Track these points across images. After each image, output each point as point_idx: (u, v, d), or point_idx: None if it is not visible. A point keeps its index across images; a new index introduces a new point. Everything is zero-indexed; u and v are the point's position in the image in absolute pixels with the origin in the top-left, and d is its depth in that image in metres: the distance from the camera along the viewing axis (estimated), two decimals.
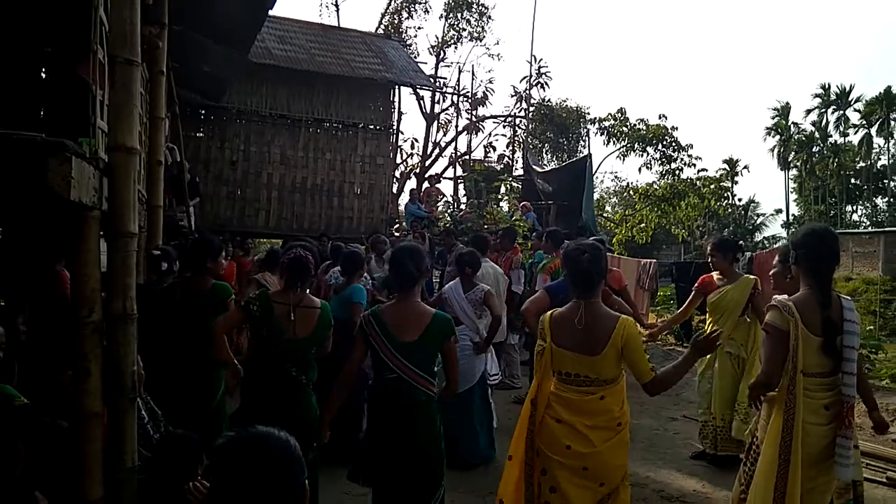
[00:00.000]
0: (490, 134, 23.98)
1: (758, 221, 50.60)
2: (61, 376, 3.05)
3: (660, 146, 21.35)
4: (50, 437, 3.08)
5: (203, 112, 13.47)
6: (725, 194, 25.36)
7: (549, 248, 7.51)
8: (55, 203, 2.43)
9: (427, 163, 22.97)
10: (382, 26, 23.67)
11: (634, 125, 21.65)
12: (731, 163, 47.92)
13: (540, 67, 25.04)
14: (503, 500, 3.30)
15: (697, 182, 21.01)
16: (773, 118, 55.60)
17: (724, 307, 5.42)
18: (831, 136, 53.49)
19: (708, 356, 5.58)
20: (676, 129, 21.31)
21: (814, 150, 53.62)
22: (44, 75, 5.49)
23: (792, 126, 54.74)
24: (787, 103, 55.43)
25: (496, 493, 4.82)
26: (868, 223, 49.73)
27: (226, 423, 4.33)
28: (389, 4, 23.84)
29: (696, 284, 5.80)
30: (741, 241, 6.17)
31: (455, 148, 22.19)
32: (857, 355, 3.05)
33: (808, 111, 54.82)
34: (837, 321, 3.05)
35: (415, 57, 21.02)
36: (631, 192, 24.10)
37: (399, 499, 3.33)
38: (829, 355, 3.02)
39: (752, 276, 5.55)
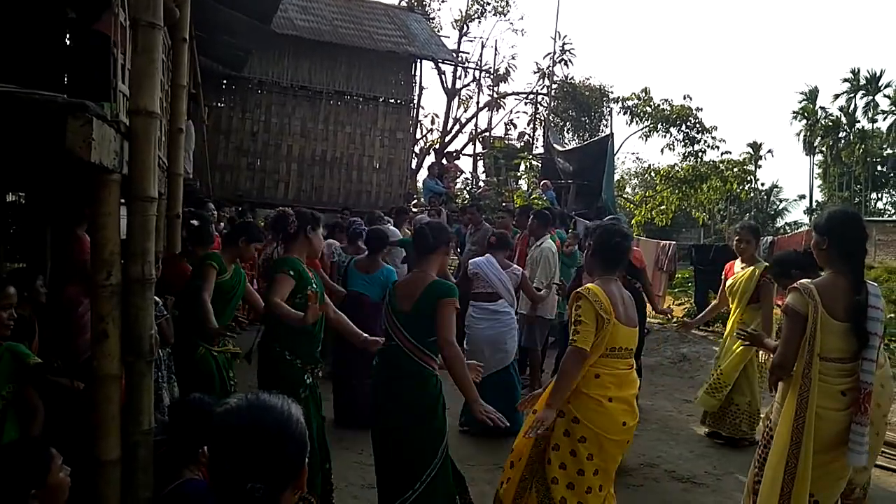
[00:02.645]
0: (511, 111, 23.74)
1: (780, 207, 49.85)
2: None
3: (683, 127, 21.07)
4: (67, 398, 3.13)
5: (225, 82, 13.45)
6: (748, 178, 25.00)
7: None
8: (75, 165, 2.44)
9: (447, 139, 22.84)
10: None
11: (658, 105, 21.37)
12: (756, 146, 47.27)
13: (564, 44, 24.64)
14: (513, 461, 3.36)
15: (720, 165, 20.72)
16: (800, 102, 54.54)
17: (735, 292, 5.43)
18: (859, 121, 52.39)
19: (728, 342, 5.56)
20: (701, 110, 21.02)
21: (840, 135, 52.58)
22: (67, 41, 5.51)
23: (819, 111, 53.69)
24: (816, 87, 54.28)
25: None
26: (893, 211, 48.91)
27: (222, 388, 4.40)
28: None
29: (724, 273, 5.77)
30: (758, 226, 6.20)
31: (475, 124, 22.03)
32: (878, 342, 3.00)
33: (837, 96, 53.72)
34: (865, 306, 3.01)
35: (438, 31, 20.80)
36: (652, 174, 23.83)
37: (391, 468, 3.39)
38: (856, 339, 2.98)
39: (763, 263, 5.49)
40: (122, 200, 2.83)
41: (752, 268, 5.43)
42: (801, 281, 3.16)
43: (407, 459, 3.33)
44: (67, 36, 5.52)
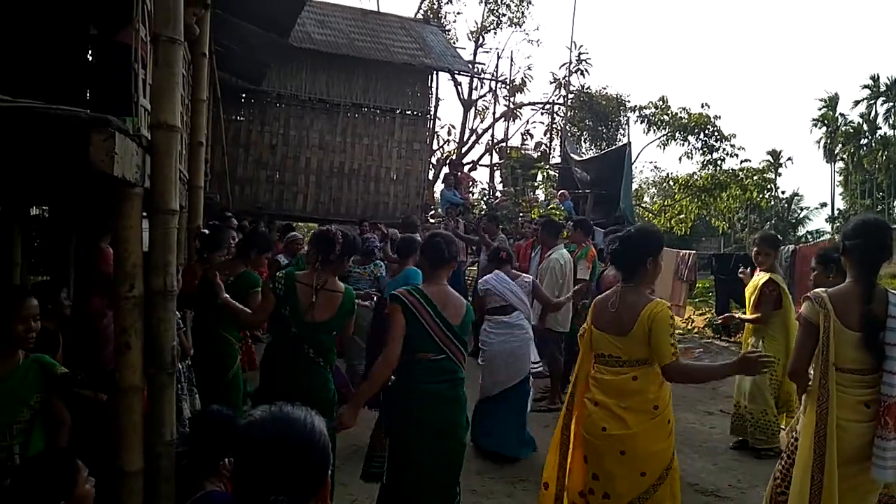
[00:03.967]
0: (528, 121, 23.72)
1: (801, 215, 49.22)
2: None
3: (702, 135, 20.85)
4: (91, 410, 3.16)
5: (244, 95, 13.57)
6: (768, 186, 24.69)
7: (579, 238, 7.34)
8: (98, 179, 2.47)
9: (463, 149, 22.88)
10: (422, 11, 23.57)
11: (676, 114, 21.20)
12: (775, 154, 46.72)
13: (580, 54, 24.57)
14: (548, 482, 3.40)
15: (740, 173, 20.51)
16: (820, 109, 53.97)
17: (748, 300, 5.51)
18: (880, 128, 51.71)
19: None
20: (719, 118, 20.81)
21: (862, 142, 51.92)
22: (90, 57, 5.60)
23: (839, 117, 53.11)
24: (836, 94, 53.68)
25: (526, 479, 4.86)
26: None
27: (240, 398, 4.45)
28: None
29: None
30: (778, 236, 6.23)
31: (492, 135, 22.04)
32: None
33: (857, 102, 53.08)
34: (881, 316, 2.90)
35: (453, 42, 20.90)
36: (671, 182, 23.66)
37: (429, 483, 3.34)
38: (868, 351, 2.89)
39: (769, 275, 5.44)
40: (144, 213, 2.87)
41: (761, 275, 5.45)
42: (816, 290, 3.13)
43: (446, 473, 3.39)
44: (90, 52, 5.62)
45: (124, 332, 2.70)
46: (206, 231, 5.22)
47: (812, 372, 3.09)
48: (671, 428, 3.19)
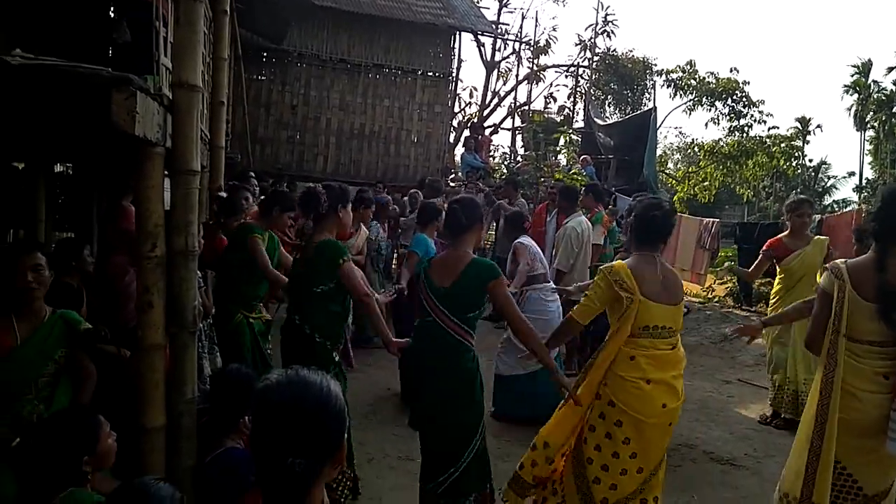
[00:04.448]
0: (551, 84, 23.35)
1: (828, 184, 48.34)
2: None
3: (729, 101, 20.41)
4: (114, 366, 3.22)
5: (265, 55, 13.48)
6: (796, 154, 24.24)
7: (590, 203, 7.25)
8: (120, 138, 2.47)
9: (485, 112, 22.62)
10: None
11: (703, 78, 20.71)
12: (804, 121, 45.71)
13: (606, 15, 24.01)
14: (548, 441, 3.28)
15: (767, 140, 20.10)
16: (852, 76, 52.50)
17: (804, 270, 5.29)
18: None
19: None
20: (748, 83, 20.28)
21: (894, 110, 50.60)
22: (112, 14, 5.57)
23: (872, 84, 51.65)
24: (869, 60, 52.08)
25: None
26: None
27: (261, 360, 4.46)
28: None
29: (763, 247, 5.63)
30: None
31: (514, 98, 21.75)
32: None
33: (891, 69, 51.53)
34: (886, 285, 2.84)
35: (477, 2, 20.51)
36: (696, 149, 23.25)
37: (435, 446, 3.40)
38: (884, 322, 2.85)
39: (824, 237, 5.40)
40: (166, 173, 2.87)
41: (817, 241, 5.38)
42: (836, 261, 3.10)
43: (450, 437, 3.33)
44: (112, 10, 5.58)
45: (146, 291, 2.73)
46: (224, 195, 5.21)
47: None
48: None
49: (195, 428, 2.90)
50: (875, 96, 51.13)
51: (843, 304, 2.93)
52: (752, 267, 5.78)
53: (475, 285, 3.29)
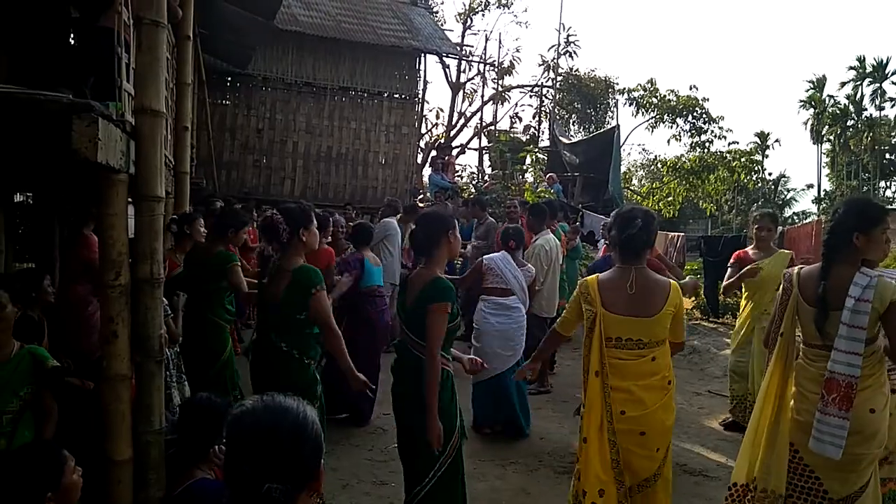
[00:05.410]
0: (516, 104, 23.69)
1: (788, 196, 49.55)
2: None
3: (690, 118, 20.92)
4: (78, 398, 3.14)
5: (229, 79, 13.44)
6: (756, 168, 24.79)
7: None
8: (82, 165, 2.43)
9: (452, 133, 22.79)
10: None
11: (664, 96, 21.21)
12: (763, 136, 46.97)
13: (568, 36, 24.52)
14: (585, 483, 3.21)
15: (727, 155, 20.58)
16: (807, 91, 54.11)
17: (769, 281, 5.38)
18: (866, 109, 51.93)
19: (743, 332, 5.54)
20: (707, 100, 20.86)
21: (848, 123, 52.19)
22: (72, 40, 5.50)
23: (827, 99, 53.28)
24: (823, 76, 53.85)
25: (516, 461, 4.89)
26: None
27: (230, 384, 4.42)
28: None
29: (731, 260, 5.72)
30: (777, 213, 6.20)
31: (481, 118, 21.98)
32: (856, 332, 2.87)
33: (843, 84, 53.24)
34: (835, 295, 2.93)
35: (441, 24, 20.74)
36: (659, 165, 23.71)
37: (406, 463, 3.40)
38: (817, 327, 2.98)
39: (787, 251, 5.52)
40: (130, 199, 2.83)
41: (779, 254, 5.49)
42: (791, 268, 3.27)
43: (417, 454, 3.31)
44: (72, 35, 5.51)
45: (111, 320, 2.68)
46: (174, 227, 5.09)
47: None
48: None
49: (164, 459, 2.84)
50: (830, 110, 52.72)
51: (787, 308, 3.10)
52: (726, 280, 5.82)
53: (424, 305, 3.21)
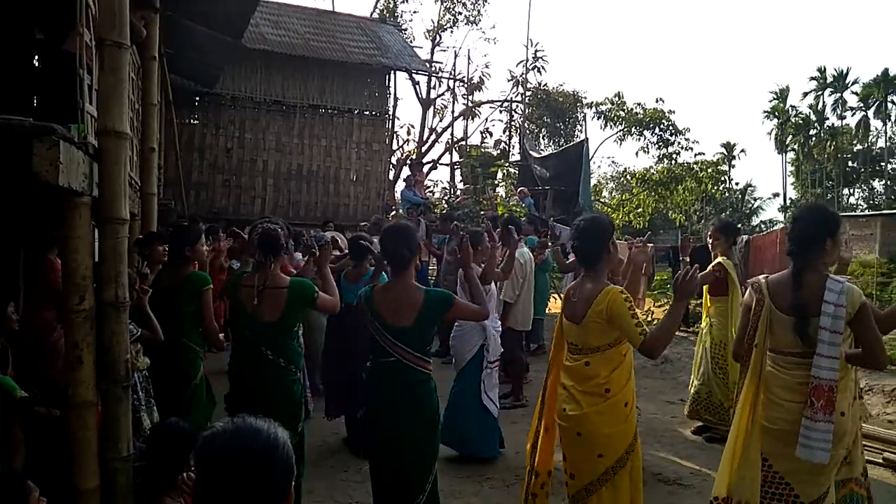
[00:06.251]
0: (486, 119, 23.91)
1: (755, 205, 50.48)
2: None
3: (657, 130, 21.31)
4: (44, 427, 3.07)
5: (197, 99, 13.35)
6: (723, 178, 25.28)
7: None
8: (43, 189, 2.39)
9: (423, 149, 22.87)
10: (377, 10, 23.48)
11: (631, 109, 21.58)
12: (729, 146, 47.87)
13: (536, 51, 24.80)
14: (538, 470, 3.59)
15: (695, 166, 20.94)
16: (771, 101, 55.39)
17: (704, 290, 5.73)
18: (828, 119, 53.32)
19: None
20: (674, 112, 21.30)
21: (811, 133, 53.44)
22: (36, 63, 5.43)
23: (790, 109, 54.53)
24: (787, 86, 55.12)
25: (493, 477, 4.88)
26: (865, 206, 49.63)
27: (202, 410, 4.31)
28: None
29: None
30: (739, 225, 6.38)
31: (451, 133, 22.10)
32: (836, 338, 2.93)
33: (805, 94, 54.61)
34: (812, 301, 2.98)
35: (410, 41, 20.85)
36: (628, 177, 24.02)
37: (395, 483, 3.33)
38: (799, 335, 3.00)
39: (728, 261, 5.71)
40: (94, 223, 2.79)
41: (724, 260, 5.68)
42: (757, 277, 3.30)
43: (412, 471, 3.31)
44: (35, 58, 5.44)
45: (76, 346, 2.63)
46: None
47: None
48: (629, 412, 3.23)
49: (131, 487, 2.78)
50: (793, 120, 53.97)
51: (760, 317, 3.11)
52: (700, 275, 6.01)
53: (439, 314, 3.37)
